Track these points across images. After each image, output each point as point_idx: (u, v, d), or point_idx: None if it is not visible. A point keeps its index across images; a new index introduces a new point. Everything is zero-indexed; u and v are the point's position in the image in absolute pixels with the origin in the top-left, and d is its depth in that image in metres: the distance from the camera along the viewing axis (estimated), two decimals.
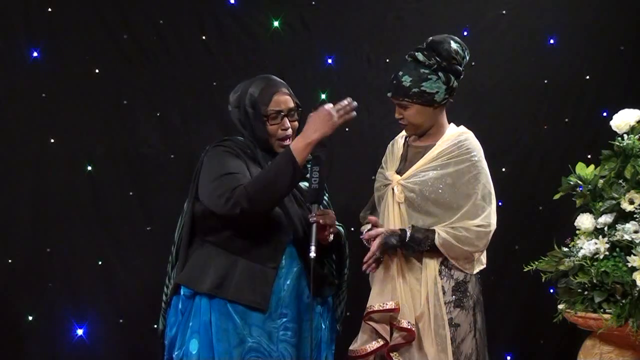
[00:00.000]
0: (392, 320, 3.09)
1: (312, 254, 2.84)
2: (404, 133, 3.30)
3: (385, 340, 3.09)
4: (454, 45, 3.10)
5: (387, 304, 3.06)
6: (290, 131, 3.08)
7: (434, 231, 3.06)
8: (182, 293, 3.05)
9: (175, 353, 3.04)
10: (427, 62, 3.09)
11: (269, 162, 3.02)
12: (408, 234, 3.06)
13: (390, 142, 3.34)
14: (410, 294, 3.09)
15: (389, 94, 3.16)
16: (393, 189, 3.14)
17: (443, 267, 3.11)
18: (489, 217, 3.10)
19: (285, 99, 3.08)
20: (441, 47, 3.09)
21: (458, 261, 3.10)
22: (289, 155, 2.88)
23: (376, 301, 3.08)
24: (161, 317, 3.17)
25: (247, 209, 2.86)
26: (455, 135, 3.19)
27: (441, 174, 3.11)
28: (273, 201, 2.93)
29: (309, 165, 3.00)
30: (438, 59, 3.08)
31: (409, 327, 3.05)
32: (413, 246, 3.06)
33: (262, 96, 3.05)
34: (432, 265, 3.10)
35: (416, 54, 3.11)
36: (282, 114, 3.07)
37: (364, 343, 3.13)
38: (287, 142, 3.05)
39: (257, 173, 2.97)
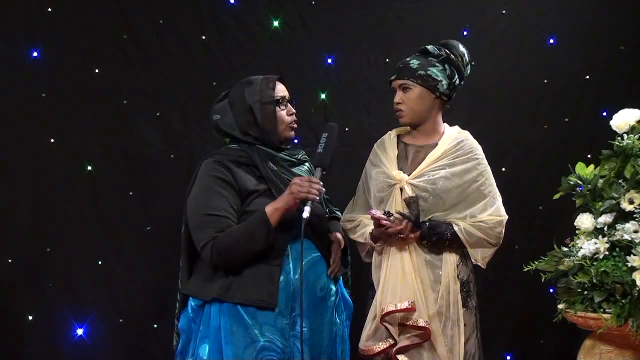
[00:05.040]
0: (402, 320, 3.06)
1: (306, 215, 2.90)
2: (391, 133, 3.31)
3: (395, 340, 3.07)
4: (462, 48, 3.23)
5: (402, 305, 3.04)
6: (295, 116, 3.21)
7: (451, 223, 3.10)
8: (192, 304, 3.07)
9: None
10: (436, 52, 3.18)
11: (269, 164, 3.06)
12: (427, 224, 3.08)
13: (379, 142, 3.33)
14: (423, 294, 3.08)
15: (394, 77, 3.21)
16: (402, 189, 3.14)
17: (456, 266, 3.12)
18: (500, 209, 3.17)
19: (284, 88, 3.23)
20: (451, 44, 3.22)
21: (476, 251, 3.13)
22: (264, 217, 2.96)
23: (390, 301, 3.05)
24: (175, 335, 3.17)
25: (217, 264, 2.99)
26: (455, 135, 3.24)
27: (450, 173, 3.13)
28: (243, 257, 2.99)
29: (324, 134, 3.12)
30: (447, 51, 3.18)
31: (427, 325, 3.03)
32: (436, 235, 3.07)
33: (265, 86, 3.15)
34: (450, 264, 3.11)
35: (427, 47, 3.21)
36: (287, 99, 3.19)
37: (374, 342, 3.11)
38: (295, 126, 3.20)
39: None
